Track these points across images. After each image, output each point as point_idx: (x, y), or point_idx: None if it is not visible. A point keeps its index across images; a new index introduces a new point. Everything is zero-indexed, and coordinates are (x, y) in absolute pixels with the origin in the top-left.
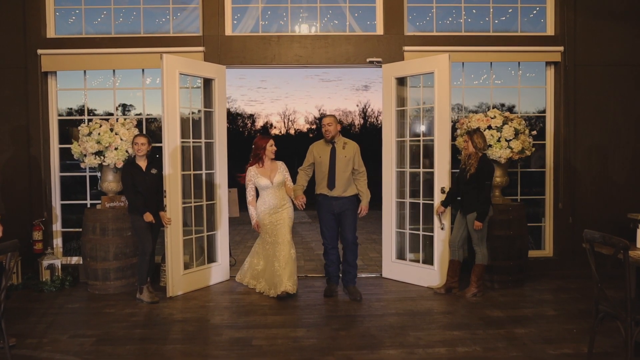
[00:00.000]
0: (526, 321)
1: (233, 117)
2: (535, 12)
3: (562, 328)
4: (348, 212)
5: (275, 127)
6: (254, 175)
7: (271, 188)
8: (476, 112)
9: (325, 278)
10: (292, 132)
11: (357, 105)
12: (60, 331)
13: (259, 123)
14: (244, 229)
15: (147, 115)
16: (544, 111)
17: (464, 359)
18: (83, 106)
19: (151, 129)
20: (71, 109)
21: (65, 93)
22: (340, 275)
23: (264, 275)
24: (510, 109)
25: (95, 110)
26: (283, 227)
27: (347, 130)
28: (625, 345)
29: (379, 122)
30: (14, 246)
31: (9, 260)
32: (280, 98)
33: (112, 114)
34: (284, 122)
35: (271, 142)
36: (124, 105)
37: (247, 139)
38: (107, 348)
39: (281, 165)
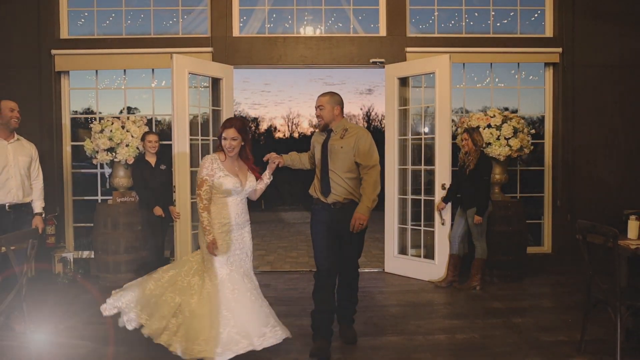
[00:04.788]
0: (524, 312)
1: None
2: (536, 15)
3: (558, 318)
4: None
5: (279, 131)
6: (216, 169)
7: (241, 195)
8: None
9: (312, 332)
10: (296, 135)
11: (361, 109)
12: (75, 319)
13: (263, 126)
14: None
15: (160, 115)
16: (543, 111)
17: (463, 345)
18: (96, 107)
19: (163, 129)
20: (86, 108)
21: (80, 96)
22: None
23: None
24: (513, 113)
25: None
26: (248, 259)
27: None
28: (615, 329)
29: (382, 125)
30: (34, 233)
31: (30, 247)
32: (284, 101)
33: (126, 115)
34: (288, 126)
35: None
36: (135, 108)
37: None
38: (121, 333)
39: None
